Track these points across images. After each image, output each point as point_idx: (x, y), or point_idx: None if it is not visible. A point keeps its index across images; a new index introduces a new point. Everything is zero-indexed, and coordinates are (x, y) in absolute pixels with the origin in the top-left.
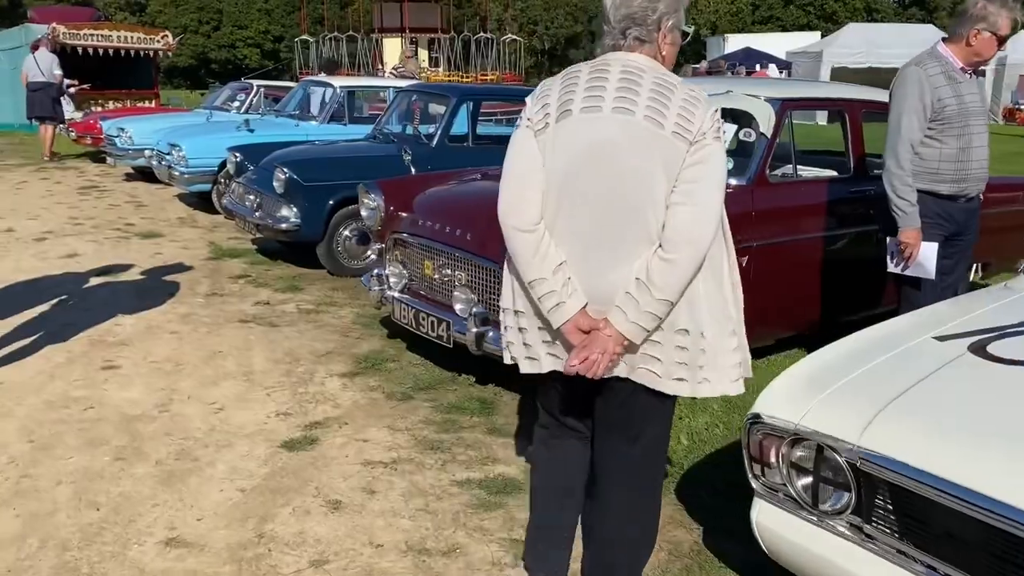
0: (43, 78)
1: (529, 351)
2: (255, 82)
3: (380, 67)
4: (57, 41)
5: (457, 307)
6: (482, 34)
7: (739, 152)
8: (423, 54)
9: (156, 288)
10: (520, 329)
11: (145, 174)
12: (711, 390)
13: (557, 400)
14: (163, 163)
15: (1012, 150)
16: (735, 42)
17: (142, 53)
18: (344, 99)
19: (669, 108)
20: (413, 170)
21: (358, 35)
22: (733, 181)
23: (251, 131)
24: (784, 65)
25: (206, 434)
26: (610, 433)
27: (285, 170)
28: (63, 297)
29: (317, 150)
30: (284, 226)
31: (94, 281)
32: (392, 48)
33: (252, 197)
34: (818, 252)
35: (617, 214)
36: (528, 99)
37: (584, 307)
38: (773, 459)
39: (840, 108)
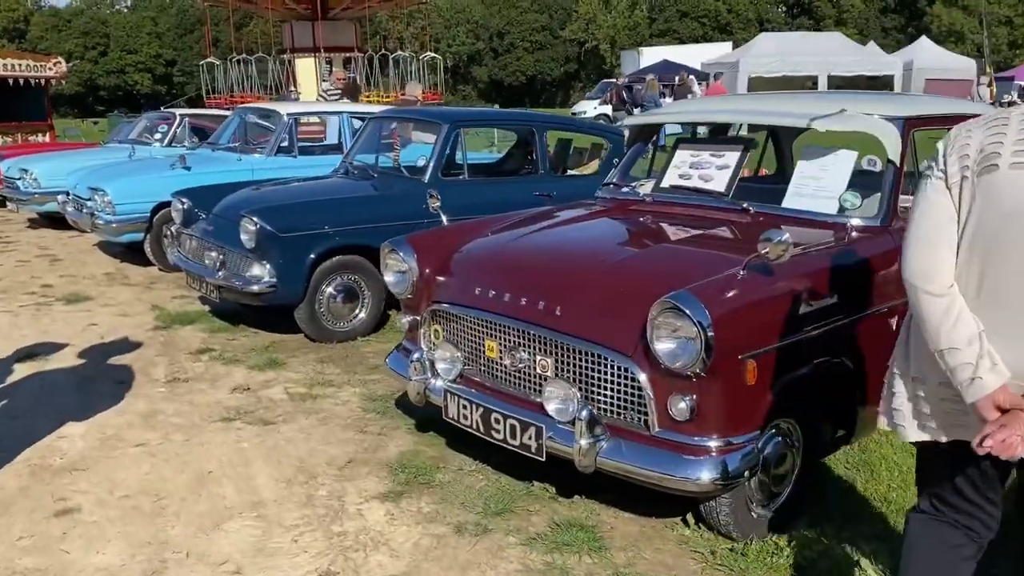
0: None
1: (923, 419)
2: (177, 111)
3: (292, 89)
4: None
5: (551, 407)
6: (400, 52)
7: (859, 184)
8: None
9: (100, 375)
10: (915, 397)
11: (53, 219)
12: None
13: (949, 474)
14: (83, 210)
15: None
16: (651, 55)
17: (32, 81)
18: (292, 128)
19: None
20: (444, 218)
21: (268, 56)
22: (859, 221)
23: (187, 169)
24: (702, 77)
25: None
26: None
27: (255, 220)
28: None
29: (285, 192)
30: (256, 288)
31: (17, 371)
32: (305, 69)
33: (213, 254)
34: None
35: None
36: (939, 145)
37: (1005, 383)
38: None
39: None
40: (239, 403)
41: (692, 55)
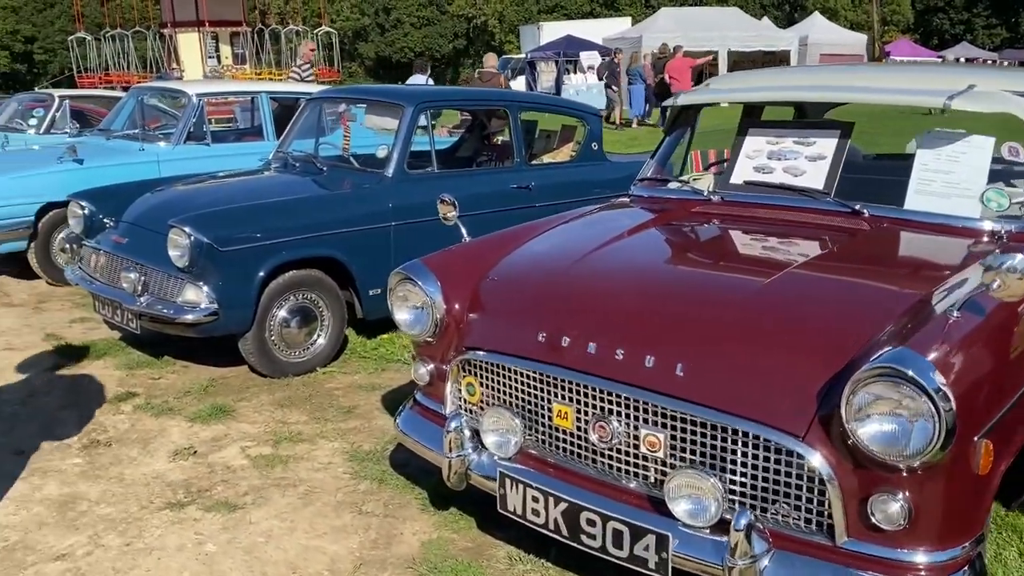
0: None
1: None
2: (55, 92)
3: (176, 67)
4: None
5: (680, 507)
6: (292, 26)
7: (1001, 176)
8: (225, 50)
9: None
10: None
11: None
12: None
13: None
14: None
15: None
16: (551, 31)
17: None
18: (202, 111)
19: None
20: (465, 234)
21: (147, 31)
22: (1014, 227)
23: (79, 162)
24: (605, 51)
25: None
26: None
27: (187, 230)
28: None
29: (219, 193)
30: (192, 317)
31: None
32: (188, 44)
33: (132, 275)
34: None
35: None
36: None
37: None
38: None
39: None
40: (187, 476)
41: (593, 30)
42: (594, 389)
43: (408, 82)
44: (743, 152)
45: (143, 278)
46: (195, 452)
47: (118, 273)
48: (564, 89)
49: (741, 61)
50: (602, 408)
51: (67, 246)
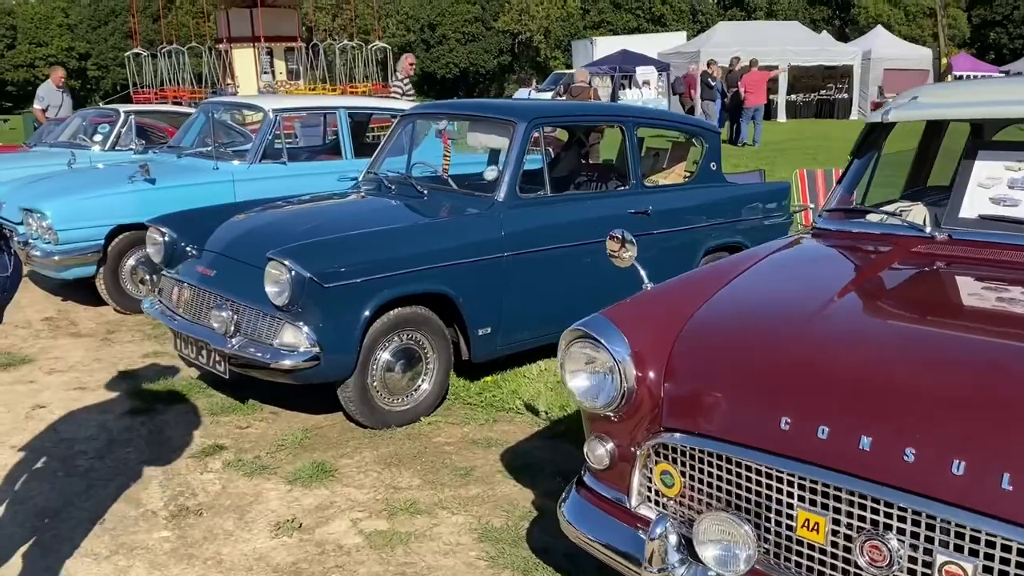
0: None
1: None
2: (121, 107)
3: (230, 83)
4: None
5: None
6: (347, 42)
7: None
8: (280, 65)
9: (63, 506)
10: None
11: None
12: None
13: None
14: (15, 238)
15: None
16: (605, 46)
17: None
18: (278, 128)
19: None
20: (645, 277)
21: (203, 47)
22: None
23: (151, 181)
24: (662, 67)
25: None
26: None
27: (288, 264)
28: None
29: (316, 219)
30: (290, 362)
31: None
32: (244, 60)
33: (224, 313)
34: None
35: None
36: None
37: None
38: None
39: None
40: (294, 557)
41: (648, 45)
42: (862, 496)
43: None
44: (973, 179)
45: (235, 316)
46: (300, 526)
47: (206, 310)
48: None
49: (801, 76)
50: (874, 522)
51: (146, 277)
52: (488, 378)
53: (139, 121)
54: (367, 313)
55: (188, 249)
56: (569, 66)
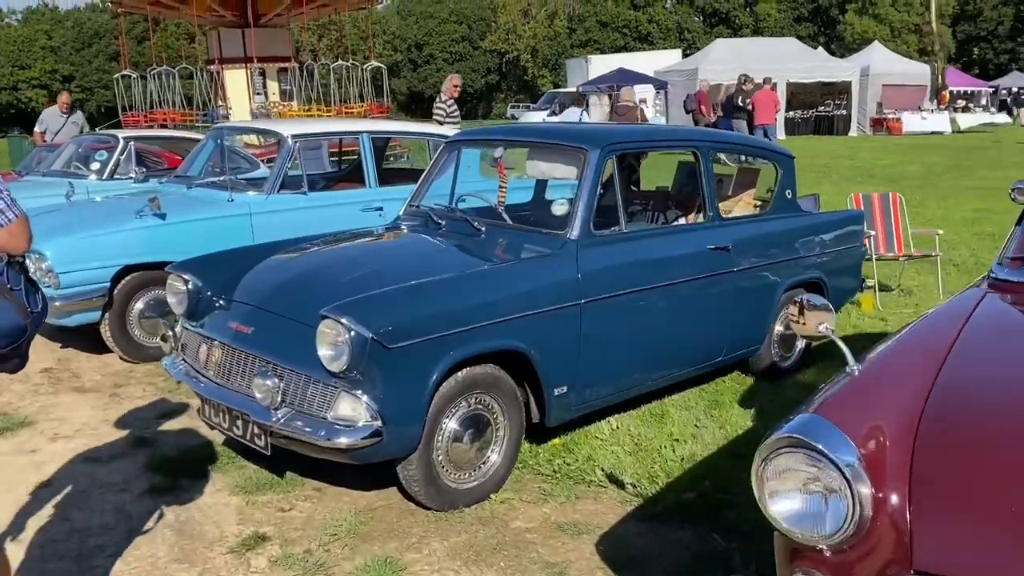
0: None
1: None
2: (119, 132)
3: (222, 104)
4: None
5: None
6: (341, 62)
7: None
8: (273, 86)
9: None
10: None
11: None
12: None
13: None
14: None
15: (887, 162)
16: (600, 64)
17: None
18: (296, 155)
19: None
20: (851, 361)
21: (193, 68)
22: None
23: (161, 216)
24: (660, 85)
25: None
26: None
27: (345, 322)
28: None
29: (362, 265)
30: (346, 440)
31: None
32: (235, 81)
33: (270, 381)
34: None
35: None
36: None
37: None
38: None
39: None
40: None
41: (644, 63)
42: None
43: (561, 118)
44: None
45: (281, 385)
46: None
47: (242, 373)
48: None
49: (799, 92)
50: None
51: (168, 333)
52: (556, 440)
53: (138, 147)
54: (435, 376)
55: (215, 299)
56: (557, 85)
